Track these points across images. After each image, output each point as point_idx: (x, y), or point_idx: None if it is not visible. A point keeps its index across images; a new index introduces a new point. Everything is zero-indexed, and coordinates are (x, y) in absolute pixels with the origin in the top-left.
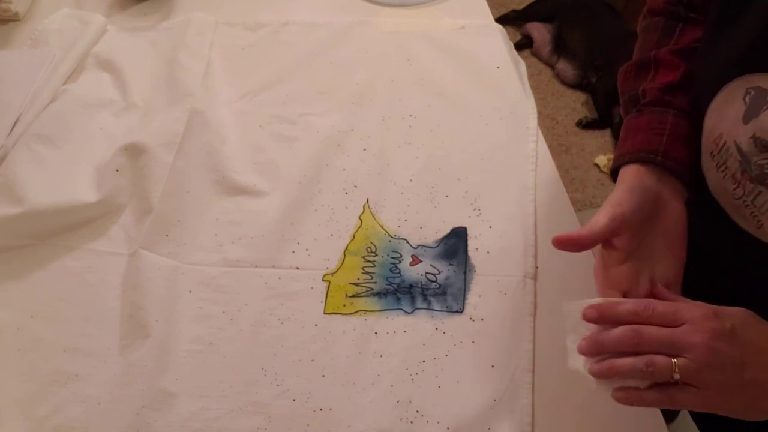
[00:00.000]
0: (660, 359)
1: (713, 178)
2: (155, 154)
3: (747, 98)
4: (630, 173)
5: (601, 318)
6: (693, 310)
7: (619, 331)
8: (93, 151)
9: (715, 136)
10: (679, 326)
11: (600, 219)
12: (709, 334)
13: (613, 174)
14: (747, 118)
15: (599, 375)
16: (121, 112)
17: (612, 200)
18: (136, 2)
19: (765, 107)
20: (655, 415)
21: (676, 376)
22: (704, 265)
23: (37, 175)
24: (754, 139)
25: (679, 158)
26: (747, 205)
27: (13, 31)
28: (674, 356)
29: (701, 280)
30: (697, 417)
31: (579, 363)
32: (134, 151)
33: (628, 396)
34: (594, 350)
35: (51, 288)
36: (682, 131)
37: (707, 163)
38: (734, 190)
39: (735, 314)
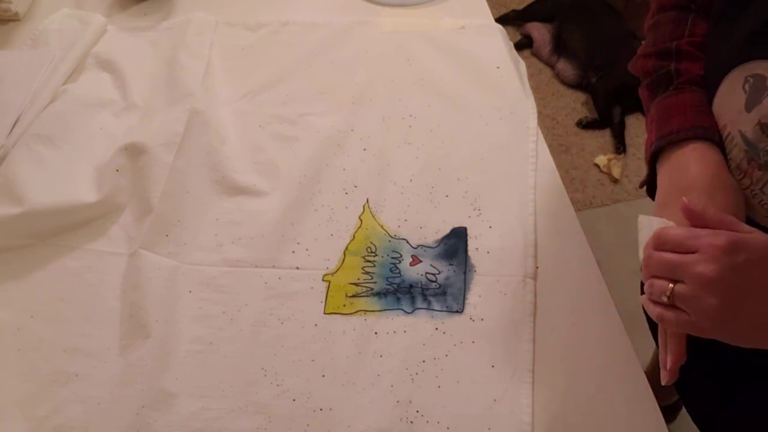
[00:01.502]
0: (658, 282)
1: None
2: (155, 154)
3: (746, 86)
4: (701, 156)
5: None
6: (709, 238)
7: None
8: (93, 151)
9: (719, 127)
10: (692, 253)
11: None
12: (716, 267)
13: (654, 156)
14: (749, 106)
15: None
16: (121, 112)
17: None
18: (136, 2)
19: (766, 93)
20: (655, 415)
21: (663, 299)
22: None
23: (37, 175)
24: (760, 125)
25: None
26: (755, 194)
27: (13, 31)
28: (676, 281)
29: None
30: (697, 418)
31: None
32: (134, 151)
33: (642, 300)
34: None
35: (51, 288)
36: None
37: None
38: (740, 180)
39: (757, 247)
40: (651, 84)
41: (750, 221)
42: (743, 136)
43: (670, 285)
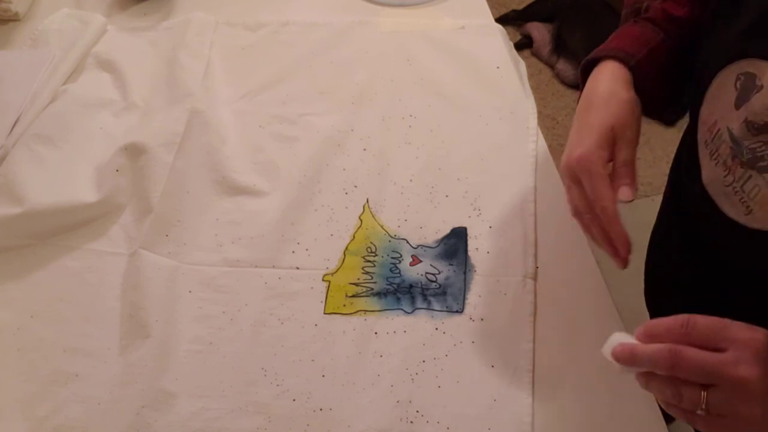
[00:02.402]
0: (688, 393)
1: (706, 166)
2: (155, 154)
3: (738, 84)
4: (609, 73)
5: (643, 336)
6: (741, 331)
7: (654, 348)
8: (93, 151)
9: (710, 124)
10: (722, 349)
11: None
12: (757, 370)
13: (586, 66)
14: (738, 103)
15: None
16: (121, 112)
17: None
18: (136, 2)
19: (755, 91)
20: (655, 415)
21: (700, 413)
22: (692, 260)
23: (37, 175)
24: (746, 123)
25: (645, 74)
26: (736, 192)
27: (13, 31)
28: (708, 385)
29: (689, 274)
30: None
31: (607, 352)
32: (134, 151)
33: (662, 401)
34: (627, 361)
35: (51, 288)
36: (661, 56)
37: (702, 152)
38: (725, 177)
39: None
40: (625, 15)
41: (724, 218)
42: (730, 133)
43: (703, 393)
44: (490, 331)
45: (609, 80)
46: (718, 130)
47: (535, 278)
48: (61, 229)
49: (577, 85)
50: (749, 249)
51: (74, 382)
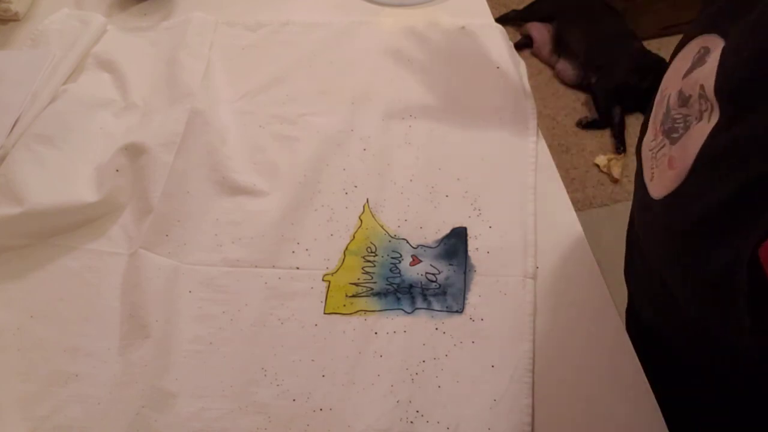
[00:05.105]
0: None
1: (649, 129)
2: (155, 154)
3: (696, 56)
4: None
5: None
6: None
7: None
8: (93, 151)
9: (663, 88)
10: None
11: None
12: None
13: None
14: (687, 73)
15: None
16: (121, 112)
17: None
18: (136, 2)
19: (701, 65)
20: (655, 415)
21: None
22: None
23: (37, 175)
24: (679, 92)
25: None
26: (654, 157)
27: (13, 31)
28: None
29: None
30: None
31: None
32: (134, 151)
33: None
34: None
35: (51, 288)
36: None
37: (651, 115)
38: (652, 141)
39: None
40: None
41: (641, 182)
42: (668, 100)
43: None
44: (490, 331)
45: None
46: (664, 96)
47: (535, 278)
48: (61, 229)
49: (578, 85)
50: (647, 217)
51: (74, 382)
